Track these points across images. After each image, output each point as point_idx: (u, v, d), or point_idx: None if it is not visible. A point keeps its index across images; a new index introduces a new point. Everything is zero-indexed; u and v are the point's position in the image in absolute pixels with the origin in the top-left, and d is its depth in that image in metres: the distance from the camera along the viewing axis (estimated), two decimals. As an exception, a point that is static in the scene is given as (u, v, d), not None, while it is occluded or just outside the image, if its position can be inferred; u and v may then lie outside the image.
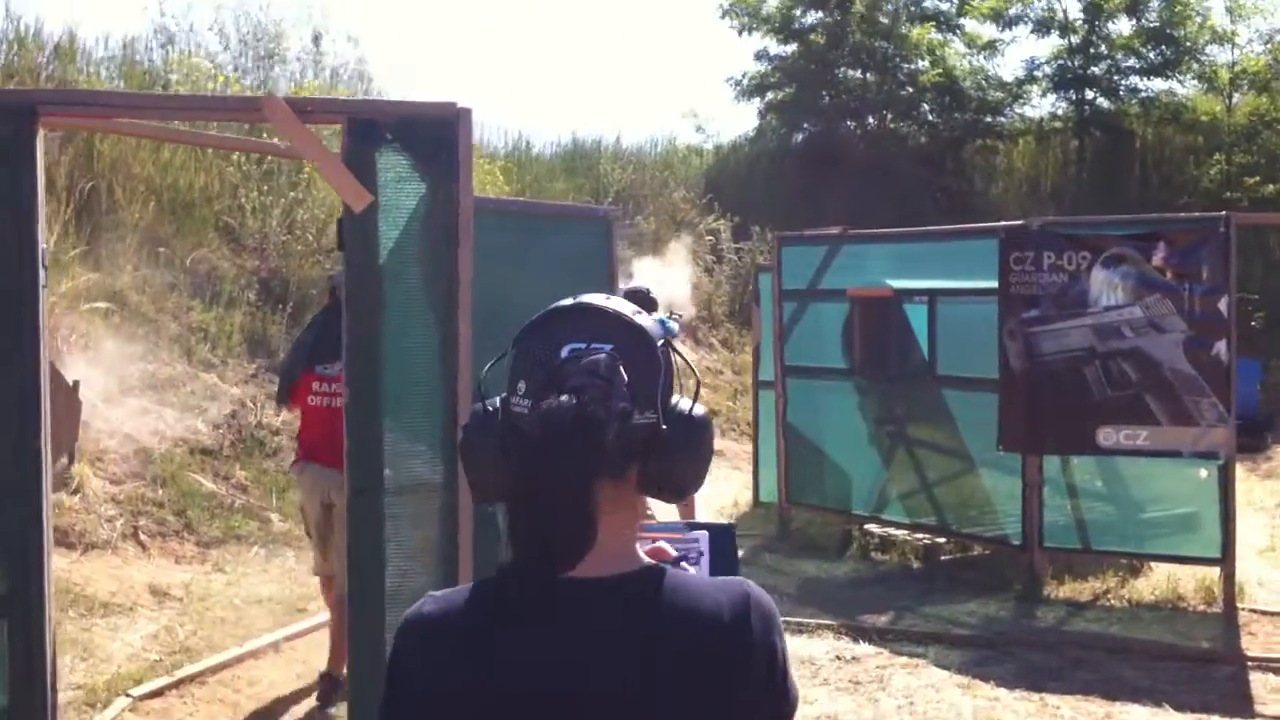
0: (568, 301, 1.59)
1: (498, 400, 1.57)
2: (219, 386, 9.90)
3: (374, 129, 3.97)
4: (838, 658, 6.71)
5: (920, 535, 8.93)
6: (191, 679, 6.01)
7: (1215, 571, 7.56)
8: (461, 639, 1.50)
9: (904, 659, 6.65)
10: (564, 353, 1.51)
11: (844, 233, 9.64)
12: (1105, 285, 7.79)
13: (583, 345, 1.51)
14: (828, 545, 9.26)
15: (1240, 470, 12.10)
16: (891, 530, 9.10)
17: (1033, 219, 8.27)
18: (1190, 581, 7.77)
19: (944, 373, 8.76)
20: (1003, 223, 8.39)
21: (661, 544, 1.85)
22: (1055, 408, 7.89)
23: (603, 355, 1.49)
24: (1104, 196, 18.06)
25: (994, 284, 8.07)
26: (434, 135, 4.03)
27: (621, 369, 1.49)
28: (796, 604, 7.81)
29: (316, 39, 16.33)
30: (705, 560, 2.27)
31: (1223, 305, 7.50)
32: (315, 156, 4.11)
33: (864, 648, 6.85)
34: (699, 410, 1.57)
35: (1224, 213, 7.76)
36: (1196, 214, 8.17)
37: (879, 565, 8.80)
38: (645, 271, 14.64)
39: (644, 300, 9.62)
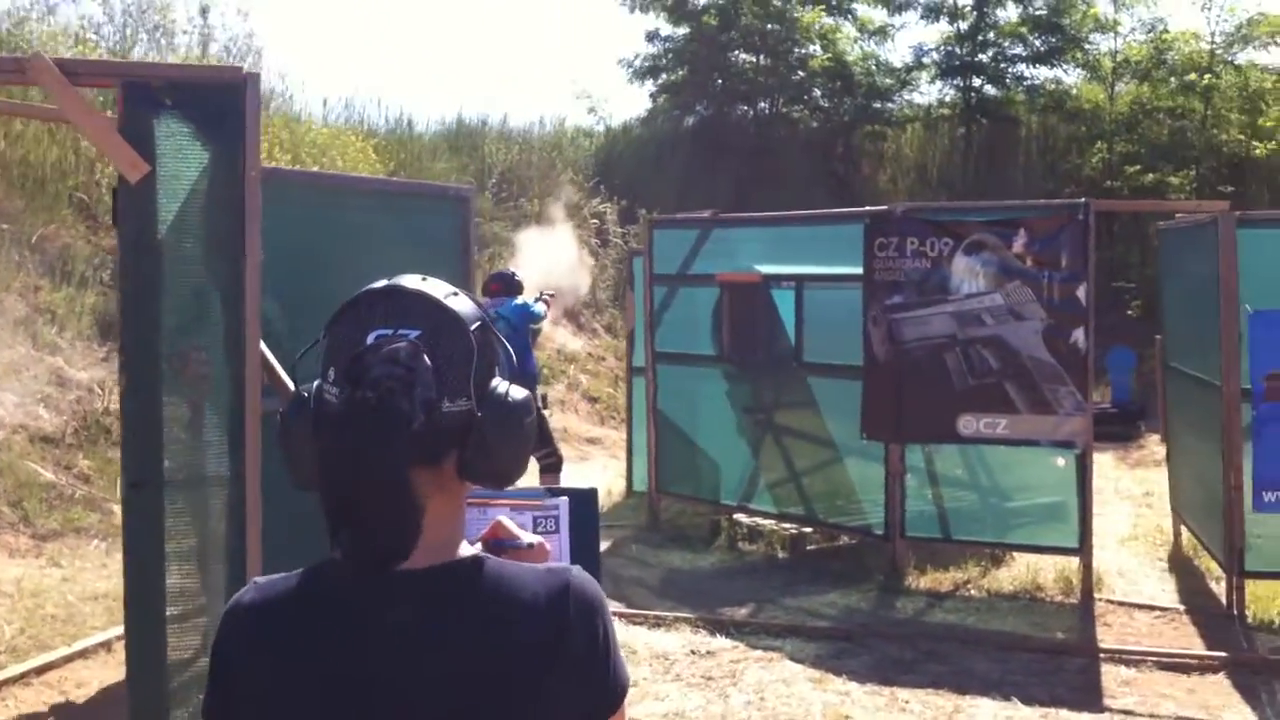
0: (379, 284, 1.52)
1: (314, 385, 1.51)
2: (65, 371, 9.45)
3: (151, 94, 3.68)
4: (693, 652, 6.54)
5: (787, 525, 8.80)
6: (15, 680, 5.67)
7: (1075, 561, 7.53)
8: (283, 632, 1.47)
9: (759, 653, 6.50)
10: (370, 339, 1.45)
11: (714, 216, 9.47)
12: (967, 272, 7.71)
13: (389, 331, 1.46)
14: (696, 536, 9.11)
15: (1110, 459, 12.27)
16: (759, 520, 8.96)
17: (896, 204, 8.15)
18: (1050, 571, 7.74)
19: (810, 360, 8.65)
20: (868, 208, 8.27)
21: (501, 519, 1.76)
22: (917, 396, 7.79)
23: (404, 343, 1.43)
24: (990, 184, 18.17)
25: (859, 270, 7.97)
26: (218, 102, 3.75)
27: (425, 356, 1.43)
28: (657, 596, 7.66)
29: (204, 11, 15.88)
30: (564, 528, 2.16)
31: (1081, 293, 7.44)
32: (84, 122, 3.79)
33: (720, 641, 6.69)
34: (516, 393, 1.52)
35: (1083, 199, 7.70)
36: (1056, 201, 8.09)
37: (745, 556, 8.65)
38: (525, 252, 14.42)
39: (509, 283, 9.39)
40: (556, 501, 2.19)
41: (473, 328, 1.49)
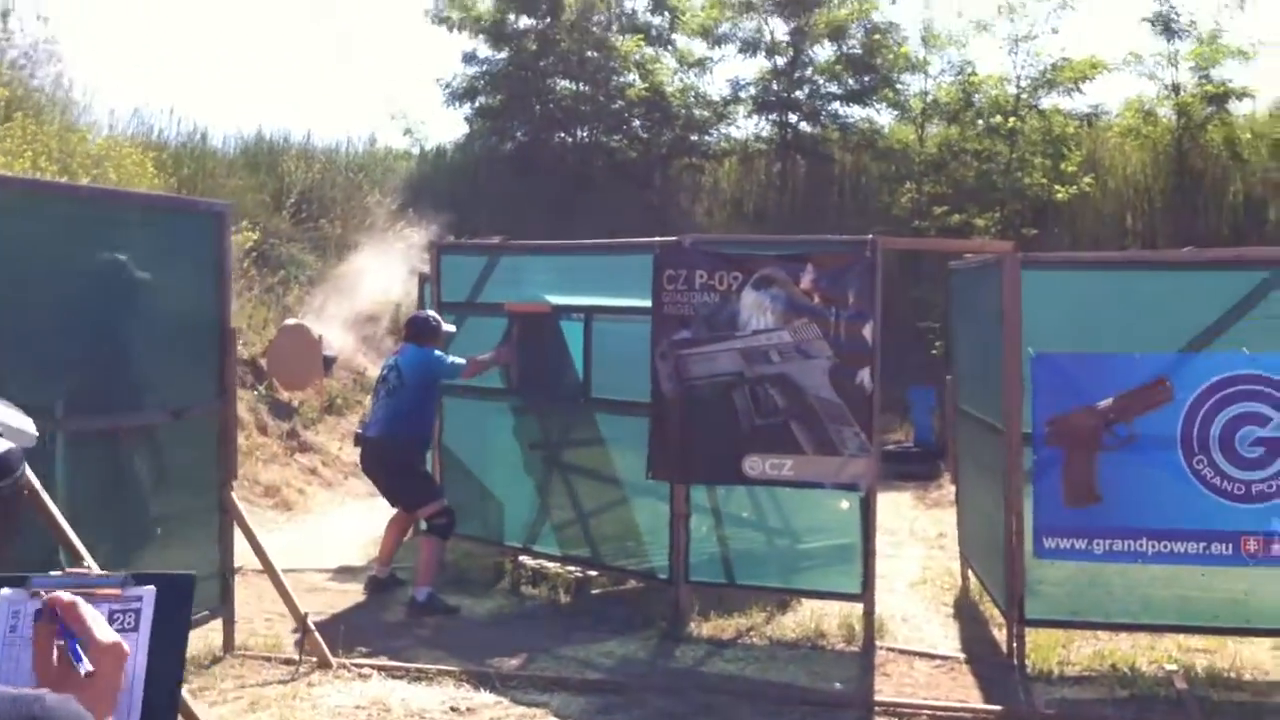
0: None
1: None
2: None
3: None
4: (452, 709, 6.09)
5: (573, 568, 8.45)
6: None
7: (859, 607, 7.35)
8: None
9: (523, 709, 6.09)
10: None
11: (503, 242, 9.11)
12: (755, 308, 7.49)
13: None
14: (479, 579, 8.68)
15: (910, 498, 12.28)
16: (544, 562, 8.59)
17: (686, 236, 7.91)
18: (835, 618, 7.55)
19: (599, 395, 8.31)
20: (657, 238, 7.99)
21: (78, 601, 1.47)
22: (704, 434, 7.54)
23: None
24: (805, 220, 18.21)
25: (649, 303, 7.69)
26: None
27: None
28: (426, 646, 7.20)
29: (4, 15, 14.90)
30: (145, 624, 1.76)
31: (867, 332, 7.29)
32: None
33: (484, 696, 6.25)
34: None
35: (869, 236, 7.57)
36: (844, 237, 7.95)
37: (527, 601, 8.26)
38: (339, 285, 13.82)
39: (419, 327, 8.23)
40: (140, 592, 1.80)
41: None
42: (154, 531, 6.32)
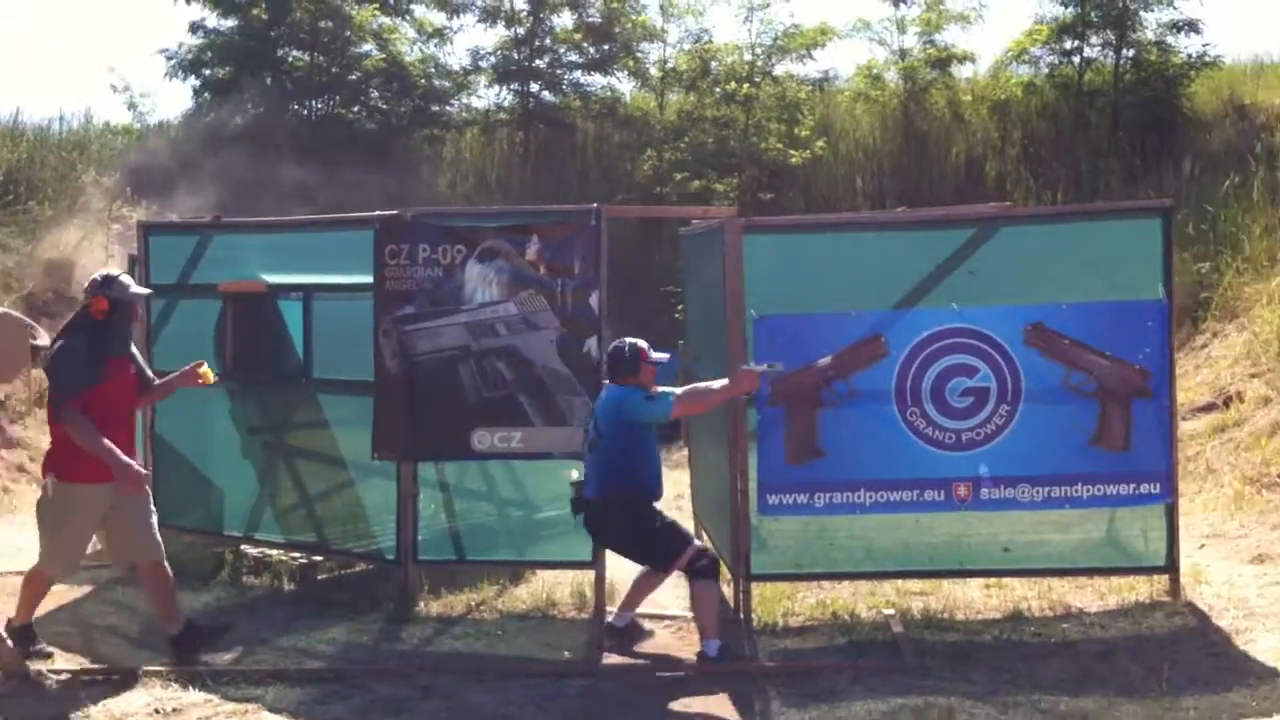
0: None
1: None
2: None
3: None
4: (157, 711, 5.74)
5: (297, 554, 8.13)
6: None
7: (592, 574, 7.31)
8: None
9: (234, 705, 5.77)
10: None
11: (216, 220, 8.66)
12: (480, 280, 7.39)
13: None
14: (198, 572, 8.20)
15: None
16: (267, 550, 8.24)
17: (407, 209, 7.66)
18: (568, 586, 7.50)
19: (320, 375, 8.01)
20: (378, 213, 7.72)
21: None
22: (430, 411, 7.38)
23: None
24: (548, 190, 18.08)
25: (371, 279, 7.46)
26: None
27: None
28: (135, 647, 6.75)
29: None
30: None
31: (594, 301, 7.30)
32: None
33: (193, 695, 5.90)
34: None
35: (594, 205, 7.51)
36: (568, 207, 7.93)
37: (248, 592, 7.87)
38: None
39: (612, 361, 6.77)
40: None
41: None
42: None
